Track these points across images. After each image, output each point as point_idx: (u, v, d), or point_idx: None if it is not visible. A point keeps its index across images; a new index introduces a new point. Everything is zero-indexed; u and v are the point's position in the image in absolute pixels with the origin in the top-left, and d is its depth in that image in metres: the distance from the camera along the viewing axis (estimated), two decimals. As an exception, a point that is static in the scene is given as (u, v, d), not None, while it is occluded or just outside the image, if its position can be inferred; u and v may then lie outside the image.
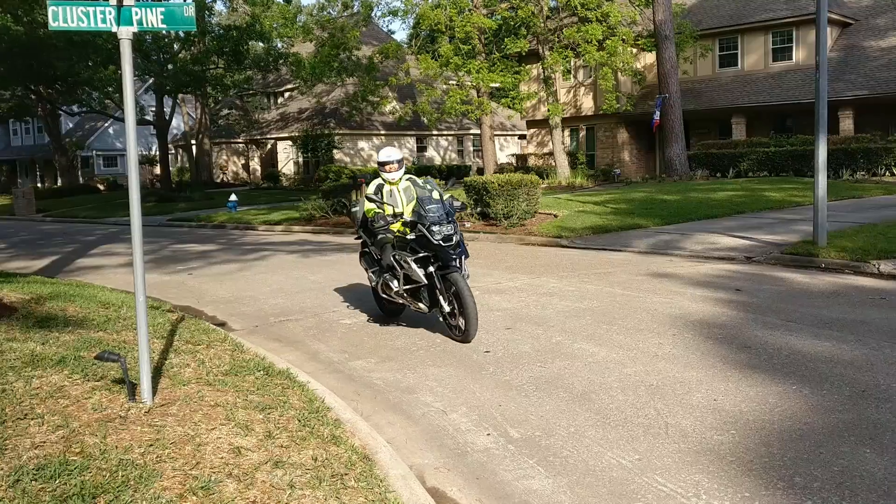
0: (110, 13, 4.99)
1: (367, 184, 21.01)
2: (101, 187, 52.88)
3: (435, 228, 7.43)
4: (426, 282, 7.61)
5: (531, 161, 38.44)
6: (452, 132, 46.84)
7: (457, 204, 7.98)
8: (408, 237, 7.81)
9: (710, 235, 14.26)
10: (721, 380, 5.98)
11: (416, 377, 6.54)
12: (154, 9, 5.10)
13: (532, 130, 39.77)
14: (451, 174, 35.12)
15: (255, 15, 35.81)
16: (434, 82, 34.13)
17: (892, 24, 30.92)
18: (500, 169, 34.64)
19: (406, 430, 5.37)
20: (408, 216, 7.96)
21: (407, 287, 7.78)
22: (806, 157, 25.65)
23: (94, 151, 58.20)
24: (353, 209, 8.74)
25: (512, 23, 32.01)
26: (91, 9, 4.98)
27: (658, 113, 29.24)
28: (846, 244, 11.66)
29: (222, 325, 8.99)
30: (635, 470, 4.47)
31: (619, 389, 5.86)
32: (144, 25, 5.08)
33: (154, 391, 5.27)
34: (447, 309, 7.60)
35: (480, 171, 37.37)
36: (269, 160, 47.13)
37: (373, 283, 8.57)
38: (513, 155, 44.45)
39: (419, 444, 5.10)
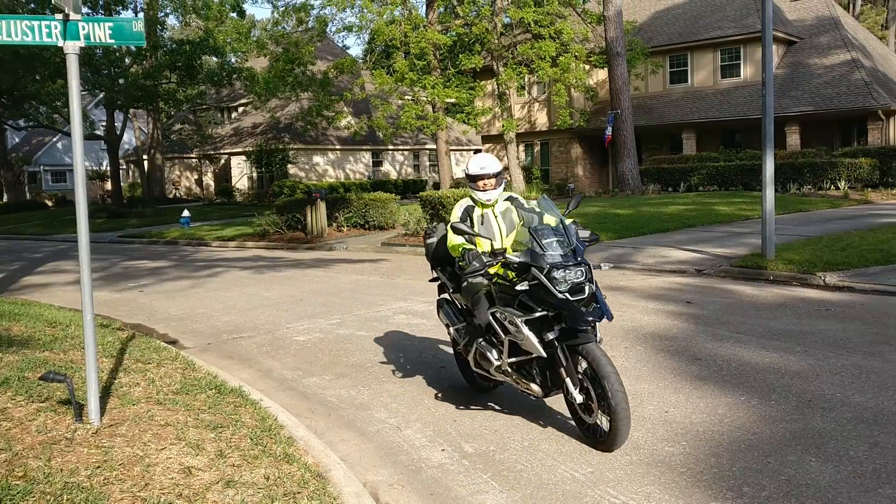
0: (56, 27, 4.92)
1: (323, 199, 21.10)
2: (50, 203, 51.79)
3: (557, 275, 4.89)
4: (544, 354, 5.04)
5: (487, 176, 38.57)
6: (408, 147, 46.91)
7: (585, 234, 5.39)
8: (516, 286, 5.14)
9: (661, 249, 14.47)
10: (672, 392, 6.06)
11: (371, 393, 6.51)
12: (102, 23, 5.04)
13: (487, 145, 40.01)
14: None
15: (209, 29, 35.53)
16: (389, 97, 34.17)
17: (834, 42, 31.84)
18: (457, 184, 34.75)
19: (360, 446, 5.34)
20: (511, 254, 5.20)
21: (513, 360, 5.30)
22: (754, 172, 26.22)
23: (41, 167, 57.00)
24: (429, 240, 6.26)
25: (466, 39, 32.24)
26: (36, 23, 4.90)
27: (610, 128, 29.65)
28: (793, 257, 11.94)
29: (174, 342, 8.86)
30: (588, 483, 4.50)
31: (573, 403, 5.90)
32: (92, 40, 5.01)
33: (102, 411, 5.17)
34: (579, 399, 4.99)
35: (437, 186, 37.46)
36: (223, 175, 46.65)
37: (457, 346, 6.09)
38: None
39: (373, 460, 5.08)
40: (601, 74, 34.34)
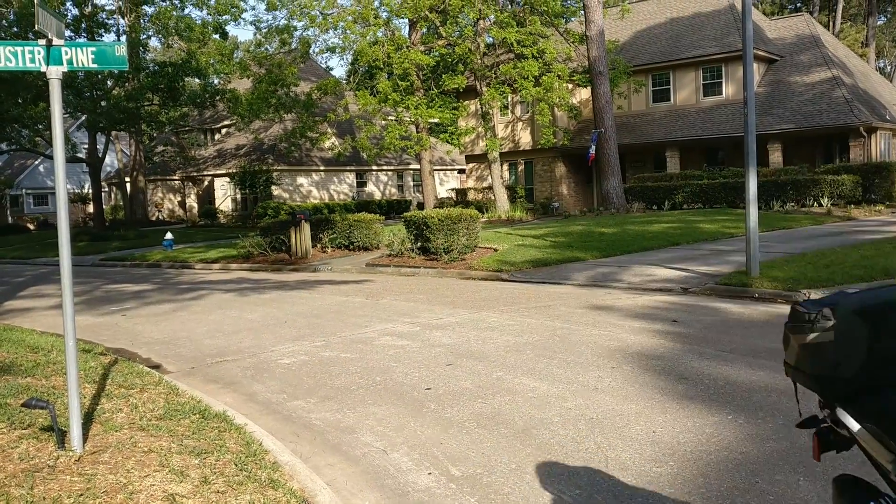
0: (39, 53, 4.90)
1: (308, 220, 21.08)
2: (31, 226, 51.44)
3: None
4: None
5: (471, 195, 38.75)
6: (392, 167, 46.97)
7: None
8: None
9: (647, 267, 14.52)
10: (659, 411, 6.05)
11: (357, 416, 6.46)
12: (85, 48, 5.03)
13: (471, 165, 40.14)
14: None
15: (191, 51, 35.56)
16: (373, 118, 34.25)
17: (814, 60, 32.25)
18: (441, 203, 34.81)
19: (346, 471, 5.29)
20: None
21: None
22: (738, 189, 26.43)
23: (23, 190, 56.65)
24: (814, 336, 2.63)
25: (449, 59, 32.44)
26: (19, 48, 4.88)
27: (594, 147, 29.83)
28: (778, 274, 12.00)
29: (157, 367, 8.77)
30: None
31: (560, 424, 5.88)
32: (75, 65, 4.99)
33: (85, 438, 5.10)
34: None
35: (421, 206, 37.50)
36: (206, 197, 46.50)
37: None
38: (452, 189, 44.75)
39: (360, 485, 5.03)
40: (584, 93, 34.60)
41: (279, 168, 41.45)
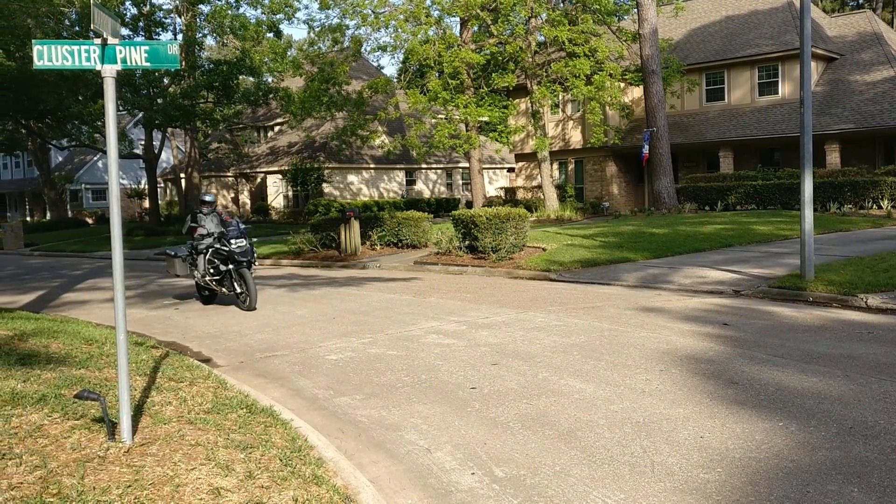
0: (95, 52, 5.00)
1: (357, 218, 21.24)
2: (90, 221, 52.77)
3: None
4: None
5: (520, 194, 38.61)
6: (441, 165, 47.04)
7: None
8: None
9: (698, 269, 14.29)
10: (708, 416, 5.94)
11: (402, 414, 6.47)
12: (138, 47, 5.12)
13: (521, 164, 39.99)
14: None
15: (245, 50, 36.05)
16: (423, 116, 34.35)
17: (876, 58, 31.38)
18: (489, 202, 34.76)
19: (389, 468, 5.30)
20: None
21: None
22: (793, 191, 25.86)
23: (83, 185, 58.18)
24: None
25: (500, 58, 32.34)
26: (76, 48, 4.99)
27: (646, 146, 29.47)
28: (833, 278, 11.70)
29: (207, 360, 8.91)
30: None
31: (606, 427, 5.81)
32: (129, 64, 5.09)
33: (134, 430, 5.20)
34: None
35: (469, 205, 37.48)
36: (259, 194, 47.16)
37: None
38: (502, 188, 44.65)
39: (403, 483, 5.03)
40: (636, 92, 34.20)
41: (330, 166, 41.84)
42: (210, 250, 12.80)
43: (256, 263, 12.90)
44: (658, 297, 12.02)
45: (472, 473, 5.10)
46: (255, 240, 29.31)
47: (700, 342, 8.52)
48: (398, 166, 44.62)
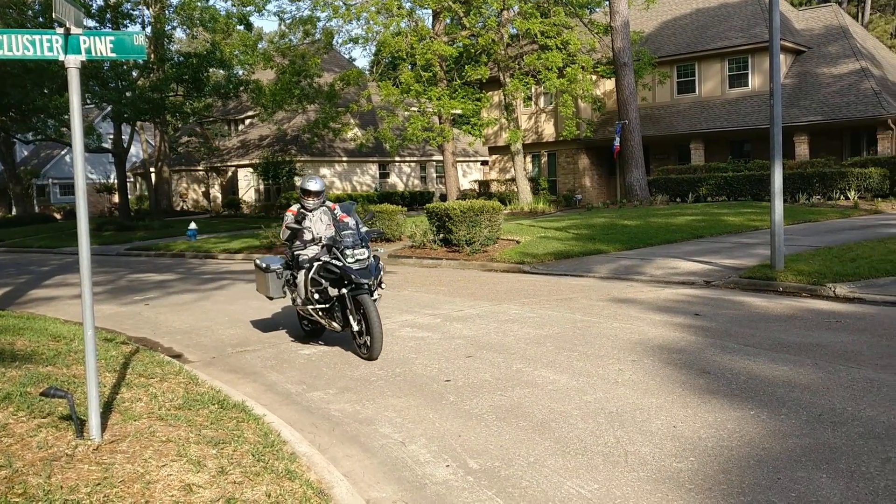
0: (57, 41, 4.90)
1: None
2: (58, 216, 52.01)
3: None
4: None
5: (493, 187, 38.64)
6: (415, 158, 46.93)
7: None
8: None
9: (670, 260, 14.38)
10: (680, 406, 5.98)
11: (375, 408, 6.44)
12: (103, 37, 5.02)
13: (494, 157, 40.00)
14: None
15: (216, 42, 35.67)
16: (396, 109, 34.20)
17: (843, 51, 31.75)
18: (463, 195, 34.73)
19: (364, 462, 5.27)
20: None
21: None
22: (763, 182, 26.11)
23: (49, 180, 57.27)
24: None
25: (472, 50, 32.27)
26: (37, 37, 4.89)
27: (618, 139, 29.61)
28: (803, 268, 11.83)
29: (178, 356, 8.81)
30: (595, 500, 4.42)
31: (579, 417, 5.83)
32: (93, 54, 4.99)
33: (103, 427, 5.12)
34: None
35: (443, 198, 37.46)
36: (230, 187, 46.76)
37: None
38: (475, 181, 44.64)
39: (377, 476, 5.01)
40: (608, 85, 34.33)
41: (302, 159, 41.57)
42: (315, 265, 8.48)
43: (384, 287, 8.61)
44: (630, 288, 12.08)
45: (447, 466, 5.08)
46: (225, 235, 29.17)
47: (672, 332, 8.57)
48: (371, 159, 44.43)
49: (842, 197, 25.47)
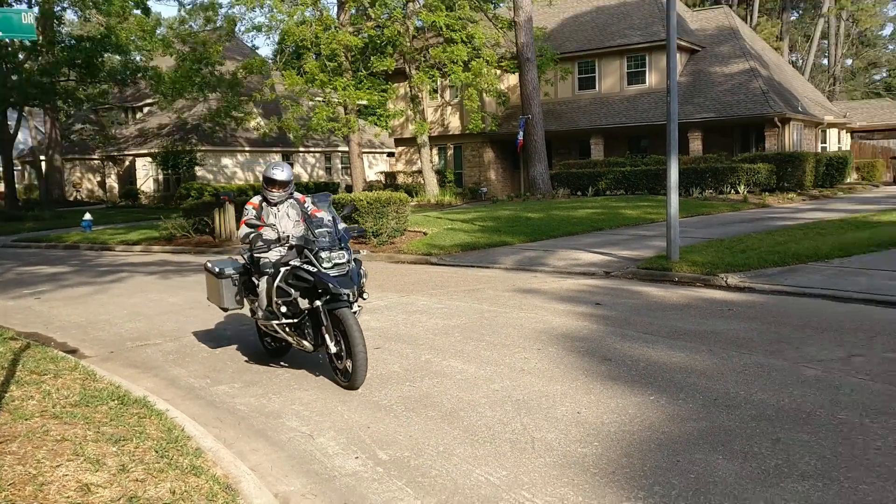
0: (-59, 19, 4.62)
1: (233, 202, 20.63)
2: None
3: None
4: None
5: (400, 179, 38.60)
6: (320, 149, 46.40)
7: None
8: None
9: (572, 252, 14.72)
10: (584, 392, 6.14)
11: (282, 401, 6.36)
12: (-9, 16, 4.77)
13: (401, 148, 39.97)
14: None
15: (111, 26, 34.30)
16: (300, 99, 33.76)
17: (733, 51, 33.11)
18: (370, 186, 34.60)
19: (271, 456, 5.20)
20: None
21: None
22: (659, 176, 26.99)
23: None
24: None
25: (378, 41, 32.13)
26: (-82, 14, 4.60)
27: (521, 133, 30.05)
28: (697, 258, 12.31)
29: (73, 352, 8.47)
30: (503, 486, 4.50)
31: (487, 406, 5.91)
32: (-20, 33, 4.73)
33: (-7, 427, 4.88)
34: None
35: (349, 189, 37.19)
36: (128, 178, 45.13)
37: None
38: (382, 172, 44.50)
39: (285, 470, 4.95)
40: (512, 79, 34.77)
41: (203, 149, 40.51)
42: (282, 271, 6.93)
43: (367, 297, 7.03)
44: (534, 278, 12.31)
45: (356, 457, 5.07)
46: (122, 226, 28.16)
47: (575, 321, 8.78)
48: (275, 149, 43.67)
49: (732, 191, 26.60)
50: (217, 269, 7.68)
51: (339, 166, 47.33)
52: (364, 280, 6.84)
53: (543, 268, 13.28)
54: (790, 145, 31.09)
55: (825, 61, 68.21)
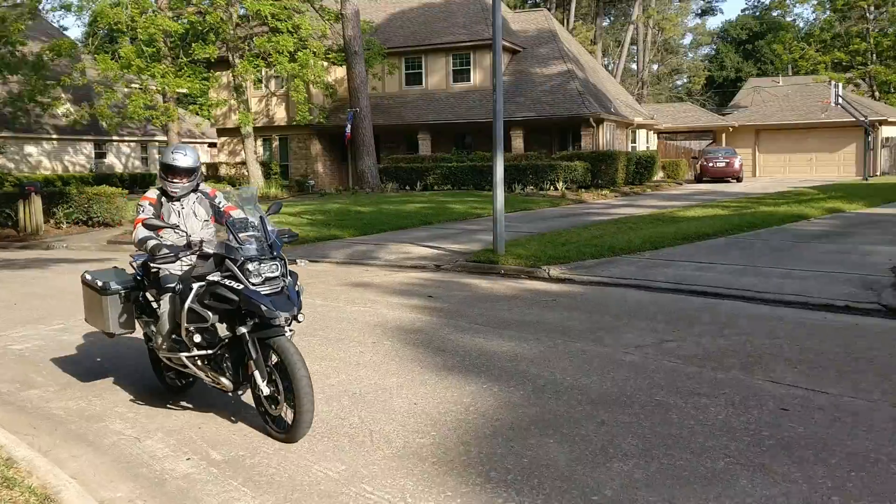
0: None
1: (39, 193, 19.18)
2: None
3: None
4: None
5: (223, 170, 37.36)
6: (136, 138, 43.98)
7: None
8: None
9: (403, 245, 14.86)
10: (420, 384, 6.23)
11: (104, 404, 6.00)
12: None
13: (223, 139, 38.68)
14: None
15: None
16: (115, 85, 31.85)
17: (552, 53, 34.61)
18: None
19: (94, 462, 4.90)
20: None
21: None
22: (484, 173, 27.80)
23: None
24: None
25: (200, 28, 30.88)
26: None
27: (350, 126, 29.97)
28: (521, 252, 12.81)
29: None
30: (343, 481, 4.48)
31: (324, 401, 5.86)
32: None
33: None
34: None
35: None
36: (-88, 164, 40.76)
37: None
38: (203, 164, 42.82)
39: (110, 475, 4.68)
40: (340, 72, 34.55)
41: (4, 135, 37.25)
42: (195, 288, 5.37)
43: (302, 319, 5.34)
44: (367, 272, 12.33)
45: (188, 459, 4.88)
46: None
47: (408, 314, 8.89)
48: (86, 137, 40.90)
49: (552, 188, 27.86)
50: (100, 284, 6.06)
51: (157, 157, 45.07)
52: (301, 293, 5.43)
53: (375, 261, 13.33)
54: (604, 144, 32.93)
55: (634, 66, 72.76)
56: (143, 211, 5.88)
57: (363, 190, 29.24)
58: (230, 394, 5.55)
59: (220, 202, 6.17)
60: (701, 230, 15.08)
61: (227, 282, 5.13)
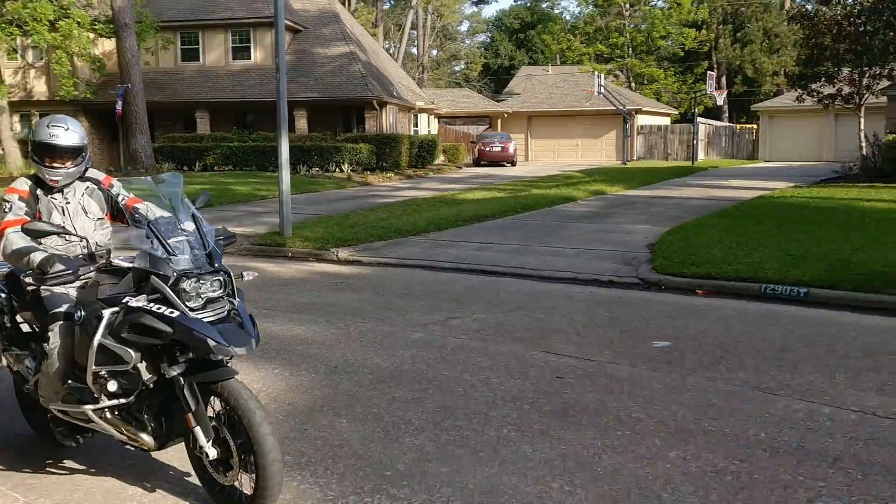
0: None
1: None
2: None
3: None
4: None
5: (-28, 149, 33.73)
6: None
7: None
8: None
9: (183, 229, 14.27)
10: (208, 372, 6.07)
11: None
12: None
13: (-29, 114, 34.88)
14: None
15: None
16: None
17: (335, 34, 34.49)
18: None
19: None
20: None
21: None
22: (267, 153, 27.27)
23: None
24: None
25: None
26: None
27: (120, 103, 28.21)
28: (309, 234, 12.77)
29: None
30: (131, 476, 4.31)
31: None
32: None
33: None
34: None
35: None
36: None
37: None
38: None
39: None
40: (109, 45, 32.29)
41: None
42: (106, 316, 3.72)
43: (254, 348, 3.76)
44: (144, 258, 11.73)
45: (-51, 467, 4.45)
46: None
47: (193, 301, 8.59)
48: None
49: (337, 169, 27.88)
50: None
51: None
52: (253, 319, 3.93)
53: (153, 247, 12.71)
54: (388, 128, 33.37)
55: (415, 50, 74.16)
56: (11, 209, 4.21)
57: (136, 170, 27.60)
58: (150, 451, 4.01)
59: (118, 193, 4.59)
60: (480, 212, 15.80)
61: (155, 307, 3.63)
